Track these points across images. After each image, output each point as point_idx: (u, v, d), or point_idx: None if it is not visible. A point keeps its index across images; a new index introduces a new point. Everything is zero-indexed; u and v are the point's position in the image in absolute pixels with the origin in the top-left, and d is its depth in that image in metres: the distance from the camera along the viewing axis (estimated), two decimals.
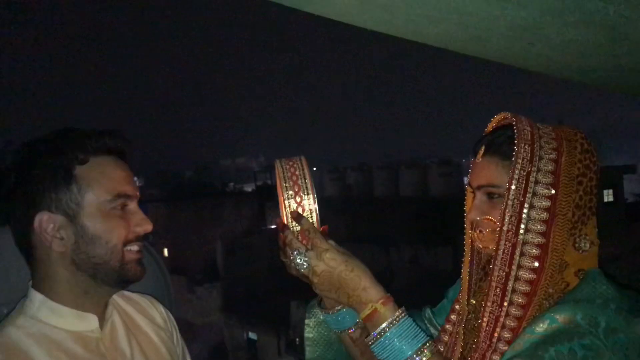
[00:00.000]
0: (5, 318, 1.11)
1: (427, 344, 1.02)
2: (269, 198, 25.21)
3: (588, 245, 1.07)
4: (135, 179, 1.22)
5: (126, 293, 1.26)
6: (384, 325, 1.03)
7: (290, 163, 1.14)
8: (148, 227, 1.14)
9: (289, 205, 1.10)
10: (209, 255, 22.98)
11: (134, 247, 1.13)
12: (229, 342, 18.88)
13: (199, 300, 20.37)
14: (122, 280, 1.13)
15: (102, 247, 1.09)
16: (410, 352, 1.01)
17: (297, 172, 1.12)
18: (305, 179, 1.12)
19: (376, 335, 1.03)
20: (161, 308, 1.32)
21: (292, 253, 1.08)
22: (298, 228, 1.10)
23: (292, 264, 1.08)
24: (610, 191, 17.97)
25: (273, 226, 23.31)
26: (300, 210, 1.11)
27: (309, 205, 1.11)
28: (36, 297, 1.10)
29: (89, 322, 1.12)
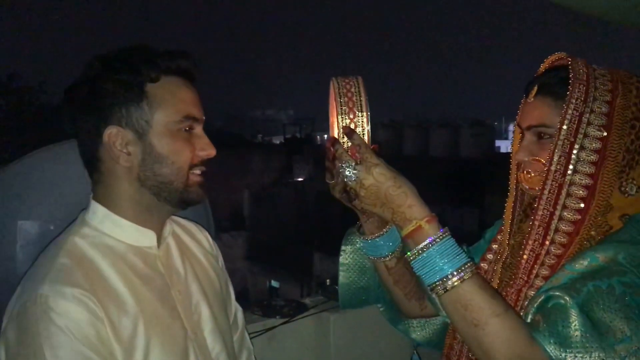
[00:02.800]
0: (67, 228, 1.14)
1: (468, 264, 1.02)
2: (297, 151, 25.23)
3: (635, 189, 1.06)
4: None
5: (175, 218, 1.30)
6: (427, 241, 1.03)
7: (347, 80, 1.14)
8: (212, 152, 1.15)
9: (342, 121, 1.11)
10: (235, 204, 23.31)
11: (197, 171, 1.14)
12: (252, 287, 19.31)
13: (224, 246, 20.73)
14: (184, 201, 1.15)
15: (168, 166, 1.10)
16: (451, 269, 1.01)
17: (352, 89, 1.13)
18: (360, 97, 1.12)
19: (418, 251, 1.04)
20: (207, 234, 1.36)
21: (342, 165, 1.08)
22: (349, 144, 1.11)
23: (340, 177, 1.08)
24: None
25: (300, 179, 23.43)
26: (352, 126, 1.11)
27: (362, 123, 1.12)
28: (99, 209, 1.12)
29: (149, 238, 1.15)
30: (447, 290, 1.01)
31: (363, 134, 1.12)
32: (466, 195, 18.28)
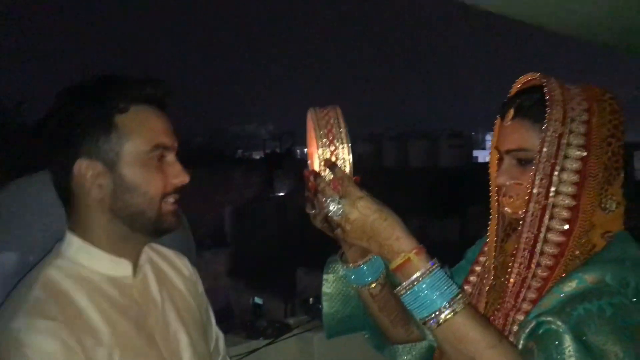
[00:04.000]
0: (42, 260, 1.14)
1: (460, 295, 1.00)
2: (277, 166, 25.11)
3: (614, 205, 1.08)
4: None
5: (154, 245, 1.27)
6: (416, 274, 1.01)
7: (325, 111, 1.12)
8: (185, 179, 1.14)
9: (323, 154, 1.09)
10: (217, 221, 23.10)
11: (171, 199, 1.14)
12: (235, 305, 19.11)
13: (206, 264, 20.53)
14: (158, 230, 1.15)
15: (140, 196, 1.10)
16: (443, 303, 0.99)
17: (331, 121, 1.11)
18: (340, 127, 1.10)
19: (408, 285, 1.02)
20: (186, 261, 1.35)
21: (326, 200, 1.06)
22: (331, 176, 1.09)
23: (325, 211, 1.06)
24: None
25: (281, 193, 23.36)
26: (333, 158, 1.09)
27: (343, 154, 1.10)
28: (74, 240, 1.12)
29: (124, 268, 1.14)
30: (439, 324, 0.99)
31: (345, 166, 1.10)
32: (446, 205, 18.37)
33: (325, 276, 1.36)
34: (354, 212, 1.04)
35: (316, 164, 1.11)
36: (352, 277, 1.26)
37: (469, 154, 25.23)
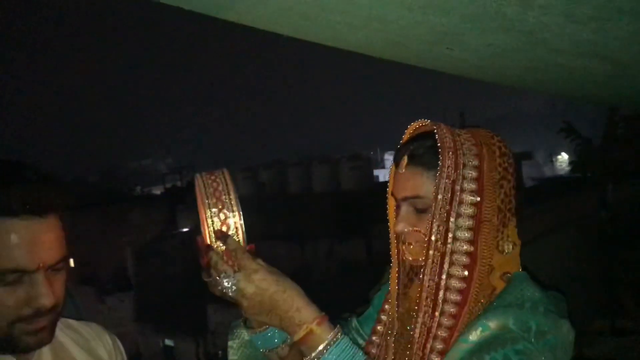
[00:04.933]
0: None
1: None
2: (179, 200, 24.47)
3: (511, 247, 1.10)
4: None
5: (69, 321, 1.11)
6: (320, 347, 0.98)
7: (213, 177, 1.05)
8: (47, 301, 0.94)
9: (213, 224, 1.02)
10: (118, 263, 22.06)
11: (34, 321, 0.95)
12: (145, 350, 18.24)
13: (110, 310, 19.50)
14: (11, 351, 0.96)
15: None
16: None
17: (220, 188, 1.04)
18: (229, 194, 1.03)
19: (313, 358, 0.99)
20: (107, 338, 1.18)
21: (219, 276, 1.00)
22: (223, 247, 1.02)
23: (219, 287, 1.01)
24: None
25: (185, 229, 22.73)
26: (224, 228, 1.02)
27: (235, 223, 1.03)
28: None
29: None
30: None
31: (237, 236, 1.03)
32: (351, 227, 18.74)
33: (229, 343, 1.29)
34: (250, 286, 0.99)
35: (207, 235, 1.03)
36: (259, 342, 1.20)
37: (370, 174, 25.97)
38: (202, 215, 1.05)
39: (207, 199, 1.02)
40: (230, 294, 1.00)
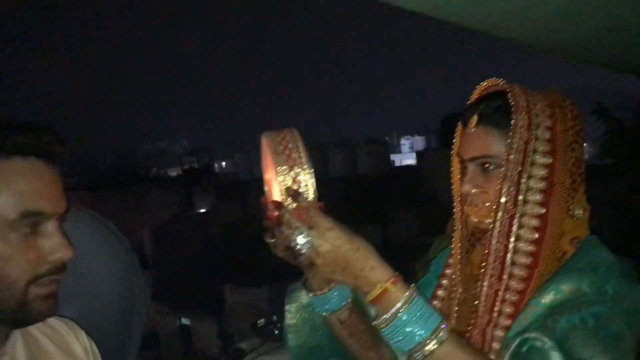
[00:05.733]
0: None
1: (443, 325, 0.97)
2: (196, 183, 24.62)
3: (581, 212, 1.07)
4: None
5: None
6: (397, 306, 0.96)
7: (282, 136, 1.03)
8: (66, 254, 0.90)
9: (284, 181, 1.00)
10: (136, 244, 22.34)
11: (44, 282, 0.89)
12: (162, 329, 18.49)
13: None
14: (21, 321, 0.91)
15: None
16: (426, 334, 0.95)
17: (289, 145, 1.02)
18: (299, 152, 1.02)
19: (389, 318, 0.96)
20: (83, 336, 1.10)
21: (293, 232, 0.98)
22: (294, 205, 0.99)
23: (291, 245, 0.98)
24: None
25: (202, 210, 22.83)
26: (296, 186, 1.00)
27: (306, 181, 1.01)
28: None
29: None
30: (425, 356, 0.95)
31: (308, 193, 1.01)
32: (368, 211, 18.71)
33: (287, 307, 1.28)
34: (325, 244, 0.97)
35: (276, 193, 1.02)
36: (319, 304, 1.19)
37: (387, 159, 25.88)
38: (268, 174, 1.05)
39: (278, 155, 1.01)
40: (303, 252, 0.98)
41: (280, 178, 1.00)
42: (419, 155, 21.36)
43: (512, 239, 1.04)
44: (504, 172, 1.05)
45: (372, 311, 1.18)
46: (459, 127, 1.17)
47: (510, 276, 1.04)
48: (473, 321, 1.09)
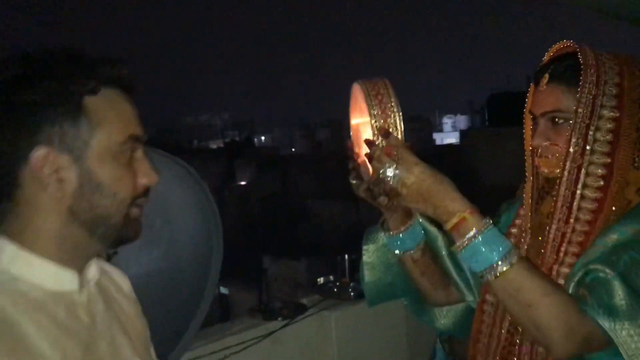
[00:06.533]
0: None
1: (514, 250, 1.06)
2: (237, 155, 24.99)
3: None
4: None
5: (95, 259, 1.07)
6: (472, 232, 1.06)
7: (374, 83, 1.17)
8: (154, 178, 0.97)
9: (376, 122, 1.14)
10: None
11: (140, 202, 0.95)
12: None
13: None
14: (121, 239, 0.96)
15: (109, 198, 0.91)
16: (498, 257, 1.04)
17: (381, 91, 1.16)
18: (390, 97, 1.15)
19: (464, 242, 1.06)
20: (127, 280, 1.16)
21: (384, 166, 1.10)
22: (384, 144, 1.13)
23: (381, 176, 1.11)
24: None
25: (242, 182, 23.15)
26: (386, 127, 1.14)
27: (396, 123, 1.14)
28: (8, 247, 0.91)
29: (69, 281, 0.94)
30: (497, 276, 1.04)
31: (397, 134, 1.14)
32: None
33: (365, 247, 1.43)
34: (411, 177, 1.09)
35: (367, 133, 1.15)
36: (394, 244, 1.33)
37: (430, 137, 25.70)
38: (357, 117, 1.21)
39: (371, 100, 1.15)
40: (392, 183, 1.10)
41: (373, 120, 1.14)
42: (463, 134, 21.07)
43: (579, 186, 1.12)
44: (573, 125, 1.12)
45: (443, 250, 1.37)
46: (531, 86, 1.24)
47: (577, 220, 1.12)
48: (540, 261, 1.17)
